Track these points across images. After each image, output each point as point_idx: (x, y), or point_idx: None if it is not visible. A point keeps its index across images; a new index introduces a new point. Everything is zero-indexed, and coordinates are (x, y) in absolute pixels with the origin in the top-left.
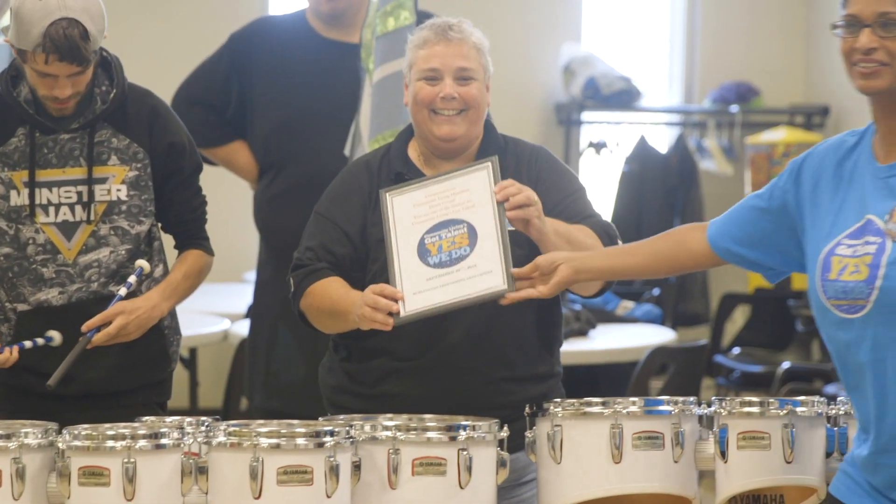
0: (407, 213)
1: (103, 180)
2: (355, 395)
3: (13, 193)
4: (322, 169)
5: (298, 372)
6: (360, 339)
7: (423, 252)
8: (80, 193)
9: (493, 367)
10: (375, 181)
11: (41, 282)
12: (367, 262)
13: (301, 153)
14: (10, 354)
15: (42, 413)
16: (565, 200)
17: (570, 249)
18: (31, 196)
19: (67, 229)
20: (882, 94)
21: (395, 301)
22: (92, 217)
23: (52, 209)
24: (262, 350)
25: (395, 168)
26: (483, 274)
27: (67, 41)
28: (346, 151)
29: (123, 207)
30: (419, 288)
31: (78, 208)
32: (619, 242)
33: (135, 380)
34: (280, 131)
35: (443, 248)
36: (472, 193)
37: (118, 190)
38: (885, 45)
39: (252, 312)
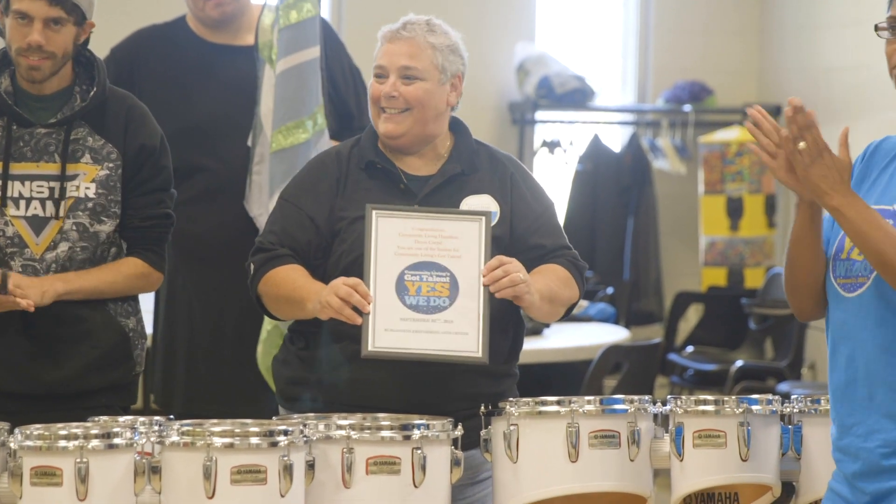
0: (391, 239)
1: (73, 177)
2: (312, 384)
3: None
4: (230, 172)
5: (222, 374)
6: (321, 324)
7: (401, 288)
8: (52, 189)
9: None
10: (344, 168)
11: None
12: (333, 246)
13: (205, 159)
14: None
15: (6, 413)
16: (539, 221)
17: (551, 309)
18: (3, 188)
19: (37, 224)
20: None
21: (367, 303)
22: (61, 213)
23: (22, 202)
24: (180, 356)
25: (367, 156)
26: (458, 333)
27: None
28: (249, 142)
29: (89, 205)
30: (392, 325)
31: (49, 203)
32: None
33: (99, 382)
34: (180, 140)
35: (422, 290)
36: (461, 243)
37: (87, 188)
38: None
39: (164, 319)
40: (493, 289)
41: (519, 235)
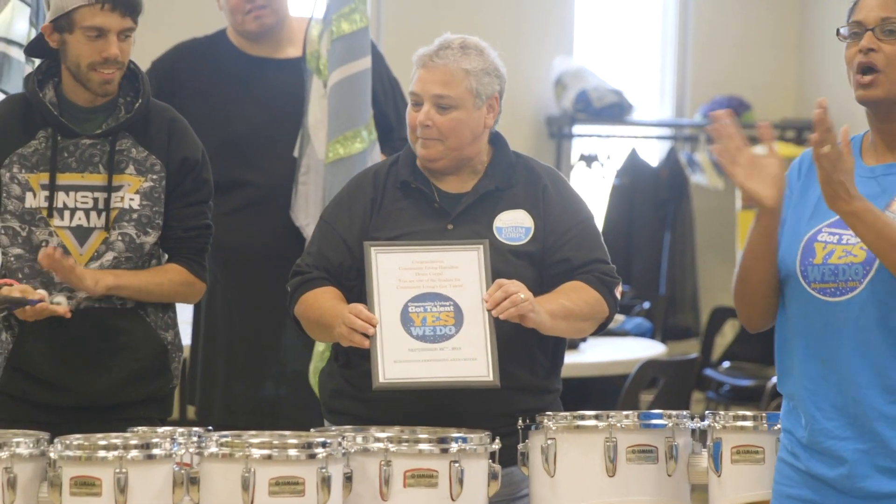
0: (392, 274)
1: (118, 188)
2: (354, 398)
3: (29, 195)
4: (270, 184)
5: (262, 387)
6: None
7: (406, 320)
8: (96, 200)
9: None
10: (381, 187)
11: (51, 285)
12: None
13: (246, 172)
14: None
15: (41, 423)
16: (571, 232)
17: (569, 326)
18: (50, 198)
19: (81, 234)
20: (878, 104)
21: (372, 326)
22: (108, 224)
23: (67, 213)
24: (220, 368)
25: (402, 176)
26: (467, 360)
27: None
28: (295, 153)
29: (134, 216)
30: (401, 357)
31: (93, 214)
32: (619, 287)
33: (137, 394)
34: (221, 153)
35: (427, 321)
36: (461, 272)
37: (131, 199)
38: (883, 49)
39: (204, 330)
40: (496, 312)
41: (547, 249)
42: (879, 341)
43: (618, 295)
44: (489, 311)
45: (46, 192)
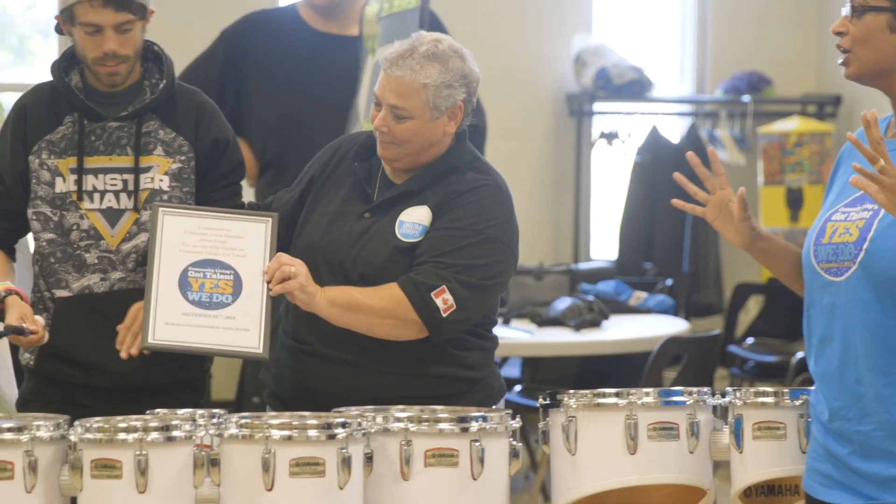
0: (177, 237)
1: (147, 169)
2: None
3: (59, 180)
4: None
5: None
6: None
7: (184, 284)
8: (125, 181)
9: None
10: (340, 156)
11: (84, 267)
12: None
13: (303, 149)
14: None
15: (74, 405)
16: (439, 231)
17: (355, 317)
18: (79, 182)
19: (112, 216)
20: (860, 79)
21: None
22: (138, 205)
23: (97, 195)
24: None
25: (363, 152)
26: (240, 329)
27: None
28: (347, 131)
29: (164, 197)
30: (173, 320)
31: (123, 196)
32: (443, 297)
33: (169, 376)
34: (279, 128)
35: (205, 286)
36: (246, 242)
37: (160, 180)
38: (850, 29)
39: None
40: (271, 285)
41: (427, 246)
42: (875, 322)
43: (438, 301)
44: (267, 283)
45: (75, 176)
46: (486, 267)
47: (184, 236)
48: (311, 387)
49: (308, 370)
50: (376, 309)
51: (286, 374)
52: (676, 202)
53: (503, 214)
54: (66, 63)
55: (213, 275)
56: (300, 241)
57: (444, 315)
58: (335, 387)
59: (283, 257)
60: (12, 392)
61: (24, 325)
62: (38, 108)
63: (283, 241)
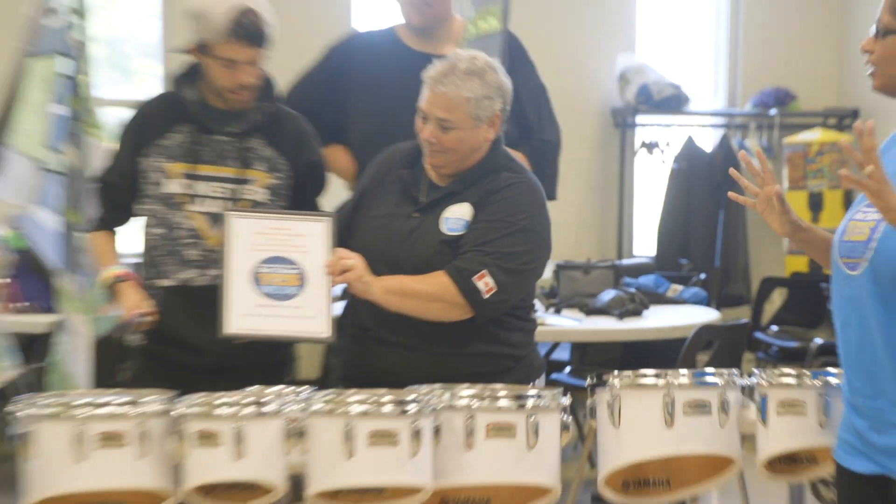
0: (247, 237)
1: (248, 181)
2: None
3: (167, 182)
4: None
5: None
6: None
7: (256, 279)
8: (228, 190)
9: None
10: (387, 167)
11: (184, 263)
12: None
13: None
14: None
15: (179, 382)
16: (482, 224)
17: (408, 302)
18: (189, 186)
19: (213, 219)
20: (886, 92)
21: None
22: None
23: (201, 200)
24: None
25: (409, 161)
26: (306, 317)
27: (253, 26)
28: None
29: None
30: (248, 311)
31: (224, 203)
32: (484, 281)
33: (260, 357)
34: (375, 136)
35: (274, 281)
36: (308, 240)
37: (259, 192)
38: (876, 49)
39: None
40: (332, 277)
41: (469, 238)
42: (884, 315)
43: (480, 285)
44: (329, 275)
45: (185, 180)
46: (522, 254)
47: (253, 237)
48: (373, 368)
49: (370, 353)
50: (426, 294)
51: (352, 358)
52: (732, 195)
53: (535, 208)
54: (185, 79)
55: (280, 269)
56: (357, 241)
57: (486, 297)
58: (394, 366)
59: (342, 252)
60: (83, 370)
61: (139, 311)
62: (154, 115)
63: (343, 242)
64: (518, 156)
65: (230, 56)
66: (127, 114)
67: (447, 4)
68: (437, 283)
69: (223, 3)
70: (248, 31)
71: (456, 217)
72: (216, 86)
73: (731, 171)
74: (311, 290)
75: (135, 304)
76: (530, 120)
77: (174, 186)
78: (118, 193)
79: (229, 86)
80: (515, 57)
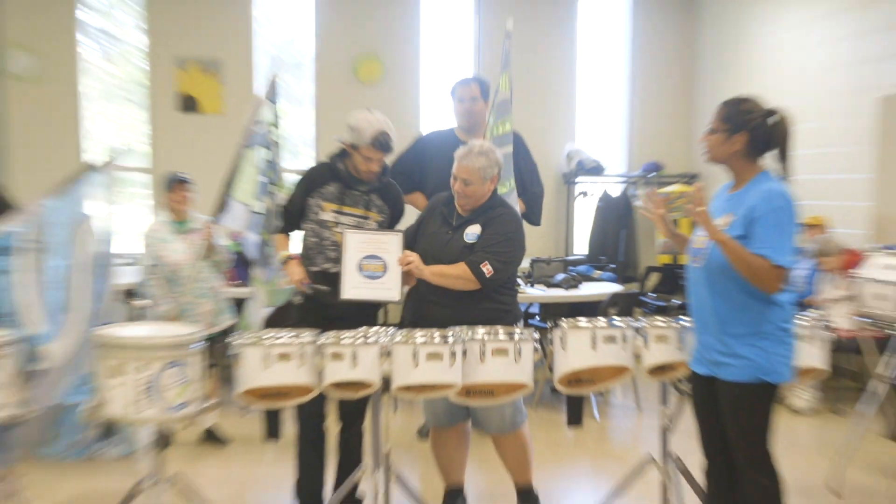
0: (356, 245)
1: (367, 217)
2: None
3: (322, 213)
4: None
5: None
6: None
7: (360, 267)
8: (357, 221)
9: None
10: (431, 209)
11: (326, 259)
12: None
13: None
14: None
15: (320, 325)
16: (485, 240)
17: (445, 280)
18: (335, 217)
19: None
20: (714, 163)
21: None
22: None
23: (342, 226)
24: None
25: (449, 203)
26: (387, 289)
27: (386, 142)
28: None
29: None
30: (355, 285)
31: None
32: (487, 267)
33: (366, 310)
34: (436, 189)
35: (370, 268)
36: (389, 245)
37: (373, 225)
38: (708, 140)
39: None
40: (402, 266)
41: (479, 244)
42: (709, 290)
43: (484, 270)
44: (399, 265)
45: (333, 214)
46: (508, 253)
47: (359, 244)
48: (426, 317)
49: (425, 309)
50: (454, 275)
51: (415, 312)
52: (643, 212)
53: (515, 227)
54: (338, 157)
55: (374, 262)
56: (418, 246)
57: (488, 277)
58: (438, 316)
59: (408, 252)
60: (258, 319)
61: (300, 279)
62: (318, 174)
63: (409, 246)
64: (519, 201)
65: (369, 156)
66: (295, 177)
67: (482, 115)
68: (461, 269)
69: (371, 125)
70: (382, 144)
71: (472, 233)
72: (357, 167)
73: (642, 210)
74: (390, 274)
75: (297, 275)
76: (525, 181)
77: (327, 216)
78: (293, 216)
79: (364, 170)
80: (519, 146)
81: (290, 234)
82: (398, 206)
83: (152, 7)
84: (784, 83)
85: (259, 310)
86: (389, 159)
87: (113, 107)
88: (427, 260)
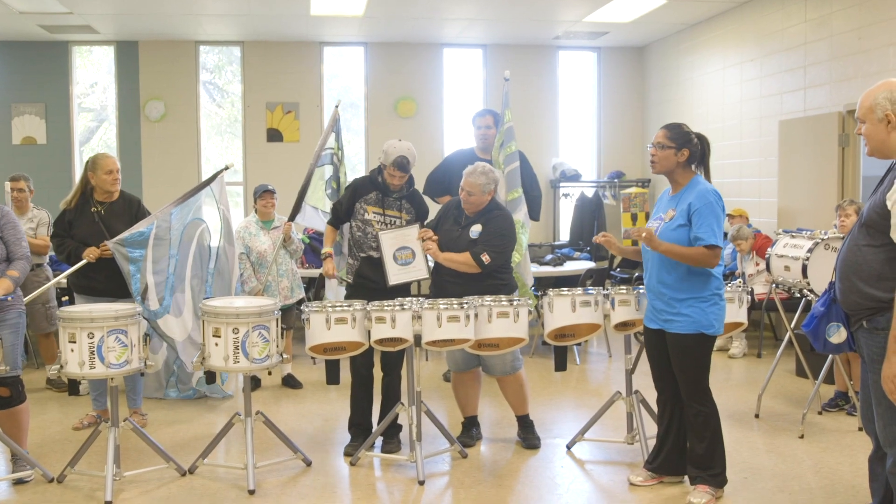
0: (389, 241)
1: (401, 217)
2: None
3: (366, 214)
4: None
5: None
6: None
7: (395, 258)
8: (392, 220)
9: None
10: (445, 210)
11: (370, 248)
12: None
13: None
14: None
15: (367, 297)
16: (485, 235)
17: (455, 265)
18: (376, 216)
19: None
20: (661, 174)
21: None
22: None
23: (383, 224)
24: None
25: (458, 208)
26: (418, 270)
27: (403, 164)
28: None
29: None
30: (395, 273)
31: (389, 227)
32: (485, 257)
33: (402, 287)
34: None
35: (404, 257)
36: (412, 236)
37: (404, 222)
38: (654, 154)
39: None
40: (428, 252)
41: (480, 239)
42: (663, 268)
43: (483, 258)
44: (425, 252)
45: (374, 215)
46: (501, 245)
47: (393, 239)
48: (446, 290)
49: (444, 284)
50: (461, 261)
51: (437, 286)
52: (597, 239)
53: (508, 225)
54: (377, 171)
55: (405, 252)
56: (438, 241)
57: (486, 263)
58: (454, 289)
59: (425, 229)
60: (333, 296)
61: (330, 274)
62: (362, 184)
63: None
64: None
65: (392, 173)
66: (351, 186)
67: (494, 139)
68: (465, 257)
69: (395, 151)
70: (401, 166)
71: (476, 230)
72: (387, 180)
73: (601, 240)
74: (418, 259)
75: (329, 270)
76: (527, 187)
77: (370, 216)
78: (340, 214)
79: (390, 183)
80: (523, 161)
81: (337, 227)
82: (422, 208)
83: (248, 64)
84: (710, 112)
85: (336, 288)
86: (423, 173)
87: (219, 138)
88: (442, 249)
